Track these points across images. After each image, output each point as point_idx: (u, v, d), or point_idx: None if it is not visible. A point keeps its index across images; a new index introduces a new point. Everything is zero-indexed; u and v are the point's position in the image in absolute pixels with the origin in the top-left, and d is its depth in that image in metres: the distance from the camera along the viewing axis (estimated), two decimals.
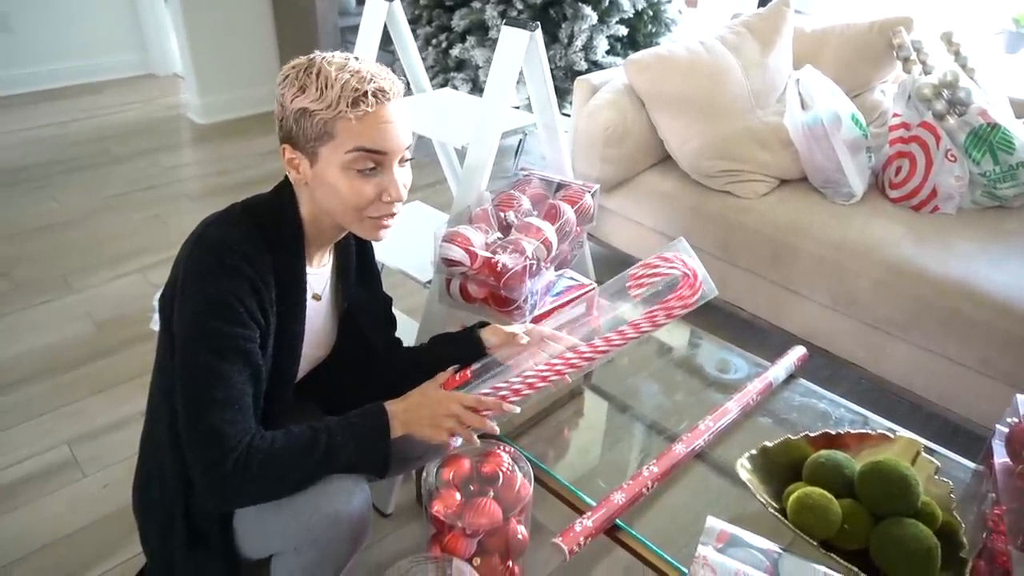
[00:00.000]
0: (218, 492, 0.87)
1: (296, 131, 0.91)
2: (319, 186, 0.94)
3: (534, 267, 1.20)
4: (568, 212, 1.32)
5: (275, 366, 0.98)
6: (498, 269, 1.17)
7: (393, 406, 0.96)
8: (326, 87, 0.88)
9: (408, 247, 1.54)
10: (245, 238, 0.92)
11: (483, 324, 1.16)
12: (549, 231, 1.25)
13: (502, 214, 1.33)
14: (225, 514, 0.99)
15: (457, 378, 1.03)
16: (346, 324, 1.15)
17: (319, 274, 1.06)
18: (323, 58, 0.91)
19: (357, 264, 1.15)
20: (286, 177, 0.99)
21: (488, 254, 1.19)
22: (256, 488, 0.88)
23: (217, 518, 0.99)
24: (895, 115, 1.91)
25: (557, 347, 1.07)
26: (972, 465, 1.14)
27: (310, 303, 1.03)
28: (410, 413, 0.96)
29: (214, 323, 0.88)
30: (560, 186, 1.44)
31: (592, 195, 1.38)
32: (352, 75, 0.89)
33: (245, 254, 0.90)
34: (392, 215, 0.97)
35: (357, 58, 0.92)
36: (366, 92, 0.88)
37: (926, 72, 1.92)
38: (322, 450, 0.90)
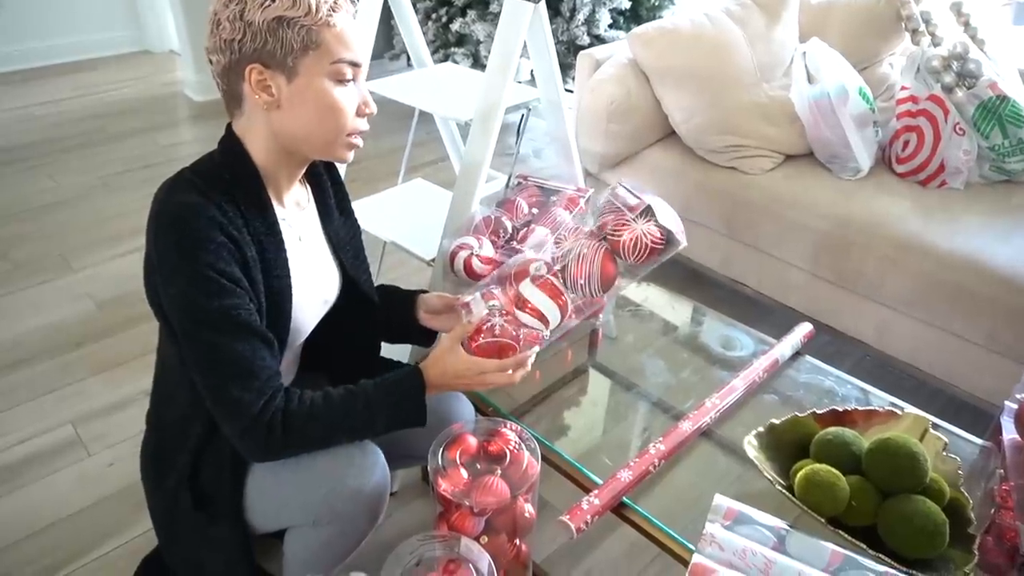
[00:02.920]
0: (259, 453, 0.92)
1: (272, 45, 0.85)
2: (297, 104, 0.89)
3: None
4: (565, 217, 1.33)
5: (271, 315, 0.94)
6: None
7: (429, 371, 0.98)
8: None
9: (412, 225, 1.52)
10: (203, 202, 0.87)
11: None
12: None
13: (508, 222, 1.35)
14: (236, 479, 0.99)
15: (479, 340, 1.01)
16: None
17: (298, 216, 1.03)
18: None
19: (336, 204, 1.11)
20: (228, 129, 0.94)
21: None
22: (298, 447, 0.92)
23: (227, 484, 0.98)
24: (903, 88, 1.88)
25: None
26: (980, 441, 1.14)
27: (298, 245, 1.00)
28: (444, 380, 0.98)
29: (200, 301, 0.85)
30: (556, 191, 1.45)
31: (586, 200, 1.38)
32: None
33: (210, 219, 0.86)
34: (364, 131, 0.96)
35: None
36: (338, 0, 0.87)
37: (935, 44, 1.89)
38: (362, 414, 0.93)
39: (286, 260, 0.96)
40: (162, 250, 0.87)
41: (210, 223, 0.86)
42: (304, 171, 1.02)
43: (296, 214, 1.02)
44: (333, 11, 0.86)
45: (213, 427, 0.96)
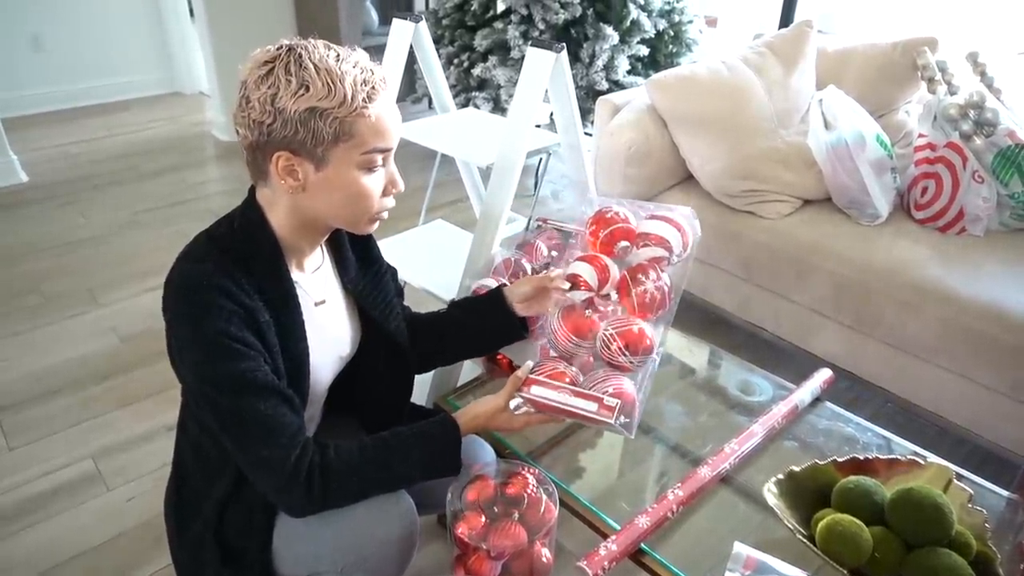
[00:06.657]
0: (298, 509, 0.91)
1: (303, 134, 0.83)
2: (324, 190, 0.88)
3: None
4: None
5: (291, 377, 0.95)
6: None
7: (462, 419, 0.99)
8: (333, 82, 0.81)
9: (432, 265, 1.55)
10: (217, 270, 0.87)
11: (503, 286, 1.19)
12: None
13: (527, 264, 1.37)
14: (264, 531, 0.98)
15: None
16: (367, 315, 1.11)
17: (316, 279, 1.02)
18: (304, 48, 0.84)
19: (356, 253, 1.10)
20: (251, 193, 0.94)
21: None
22: (337, 501, 0.92)
23: (256, 535, 0.98)
24: (920, 135, 1.89)
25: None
26: (1006, 494, 1.12)
27: (314, 310, 1.00)
28: (476, 424, 1.00)
29: (216, 368, 0.85)
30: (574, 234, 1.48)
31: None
32: (352, 66, 0.84)
33: (220, 288, 0.85)
34: (390, 207, 0.96)
35: (328, 45, 0.87)
36: (374, 85, 0.84)
37: (951, 92, 1.91)
38: (398, 468, 0.94)
39: (303, 324, 0.96)
40: (174, 319, 0.88)
41: (219, 292, 0.85)
42: (326, 238, 1.02)
43: (311, 278, 1.01)
44: (369, 100, 0.84)
45: (241, 477, 0.96)
